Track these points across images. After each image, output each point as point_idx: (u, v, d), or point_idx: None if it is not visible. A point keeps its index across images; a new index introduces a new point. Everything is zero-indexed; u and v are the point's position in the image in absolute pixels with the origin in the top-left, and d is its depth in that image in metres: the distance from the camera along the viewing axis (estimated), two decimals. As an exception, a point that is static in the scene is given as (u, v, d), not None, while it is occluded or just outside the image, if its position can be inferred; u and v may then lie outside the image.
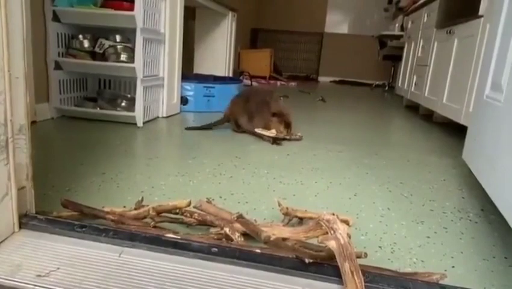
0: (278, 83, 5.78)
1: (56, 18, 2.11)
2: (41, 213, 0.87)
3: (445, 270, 0.86)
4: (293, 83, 5.80)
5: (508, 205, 0.94)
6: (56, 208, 0.95)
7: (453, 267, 0.89)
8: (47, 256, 0.73)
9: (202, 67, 3.99)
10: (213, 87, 2.83)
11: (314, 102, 3.94)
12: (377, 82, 6.48)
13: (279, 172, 1.49)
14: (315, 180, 1.43)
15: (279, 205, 1.02)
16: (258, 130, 1.96)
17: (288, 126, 1.97)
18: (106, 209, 0.95)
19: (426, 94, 3.06)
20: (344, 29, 7.37)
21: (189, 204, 0.94)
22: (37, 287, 0.66)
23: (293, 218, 1.03)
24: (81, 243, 0.78)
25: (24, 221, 0.82)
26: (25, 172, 0.82)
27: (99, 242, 0.78)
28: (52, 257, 0.73)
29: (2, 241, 0.77)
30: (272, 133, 1.92)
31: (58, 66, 2.15)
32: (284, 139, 1.98)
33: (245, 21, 6.09)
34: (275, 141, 1.91)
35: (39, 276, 0.68)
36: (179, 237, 0.81)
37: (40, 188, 1.03)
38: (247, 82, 4.64)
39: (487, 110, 1.29)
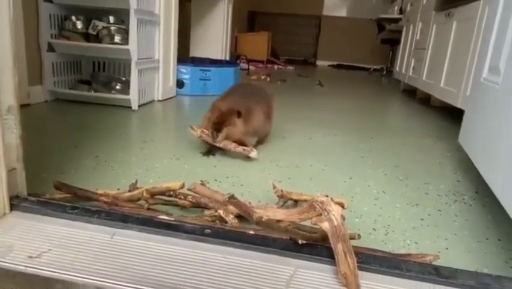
0: (275, 67, 5.73)
1: (48, -2, 2.07)
2: (33, 195, 0.86)
3: (438, 252, 0.86)
4: (290, 68, 5.75)
5: (503, 189, 0.94)
6: (50, 191, 0.94)
7: (446, 248, 0.89)
8: (38, 238, 0.73)
9: (198, 50, 3.93)
10: (209, 70, 2.80)
11: (311, 86, 3.91)
12: (375, 67, 6.44)
13: (275, 155, 1.49)
14: (311, 164, 1.42)
15: (274, 187, 1.01)
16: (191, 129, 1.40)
17: (216, 128, 1.33)
18: (99, 191, 0.94)
19: (423, 78, 3.04)
20: (342, 12, 7.28)
21: (182, 186, 0.94)
22: (28, 268, 0.65)
23: (287, 201, 1.03)
24: (73, 225, 0.77)
25: (16, 202, 0.81)
26: (15, 153, 0.80)
27: (91, 223, 0.78)
28: (43, 239, 0.73)
29: (-7, 223, 0.76)
30: (196, 133, 1.38)
31: (51, 48, 2.12)
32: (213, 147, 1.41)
33: (242, 3, 6.00)
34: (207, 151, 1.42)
35: (30, 257, 0.68)
36: (172, 219, 0.80)
37: (33, 170, 1.02)
38: (244, 65, 4.60)
39: (484, 93, 1.27)
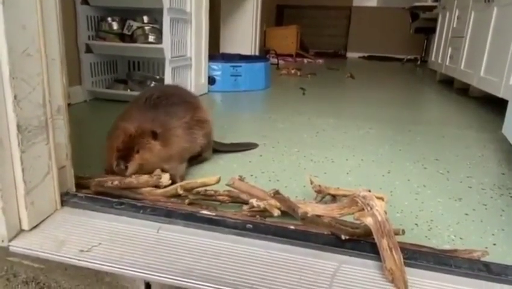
0: (305, 60, 5.67)
1: (85, 1, 2.13)
2: (80, 191, 0.90)
3: (486, 247, 0.83)
4: (320, 60, 5.68)
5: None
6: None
7: (494, 244, 0.86)
8: (88, 232, 0.76)
9: (228, 46, 3.96)
10: (240, 66, 2.81)
11: (342, 79, 3.85)
12: (408, 57, 6.25)
13: (309, 150, 1.48)
14: (347, 158, 1.41)
15: (311, 182, 1.01)
16: None
17: (123, 156, 0.97)
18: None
19: (462, 68, 2.92)
20: (373, 1, 7.09)
21: (218, 181, 0.94)
22: (80, 261, 0.68)
23: (325, 196, 1.02)
24: (120, 219, 0.80)
25: (66, 199, 0.85)
26: (65, 151, 0.84)
27: (137, 218, 0.80)
28: (93, 233, 0.76)
29: (45, 218, 0.80)
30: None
31: (88, 49, 2.19)
32: None
33: (270, -3, 5.97)
34: None
35: (82, 251, 0.71)
36: (213, 214, 0.81)
37: (76, 169, 1.07)
38: (274, 60, 4.58)
39: (532, 81, 1.21)
